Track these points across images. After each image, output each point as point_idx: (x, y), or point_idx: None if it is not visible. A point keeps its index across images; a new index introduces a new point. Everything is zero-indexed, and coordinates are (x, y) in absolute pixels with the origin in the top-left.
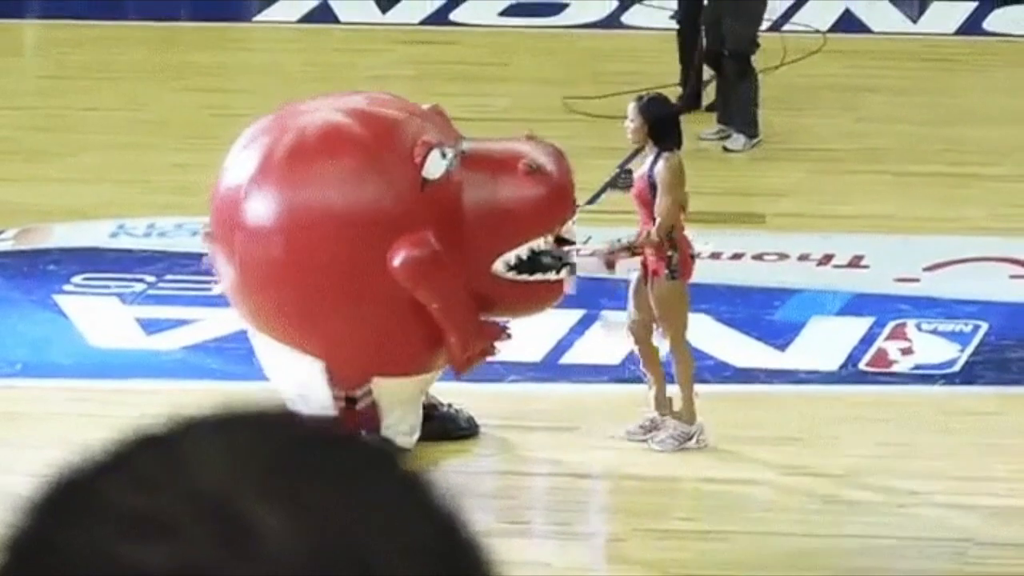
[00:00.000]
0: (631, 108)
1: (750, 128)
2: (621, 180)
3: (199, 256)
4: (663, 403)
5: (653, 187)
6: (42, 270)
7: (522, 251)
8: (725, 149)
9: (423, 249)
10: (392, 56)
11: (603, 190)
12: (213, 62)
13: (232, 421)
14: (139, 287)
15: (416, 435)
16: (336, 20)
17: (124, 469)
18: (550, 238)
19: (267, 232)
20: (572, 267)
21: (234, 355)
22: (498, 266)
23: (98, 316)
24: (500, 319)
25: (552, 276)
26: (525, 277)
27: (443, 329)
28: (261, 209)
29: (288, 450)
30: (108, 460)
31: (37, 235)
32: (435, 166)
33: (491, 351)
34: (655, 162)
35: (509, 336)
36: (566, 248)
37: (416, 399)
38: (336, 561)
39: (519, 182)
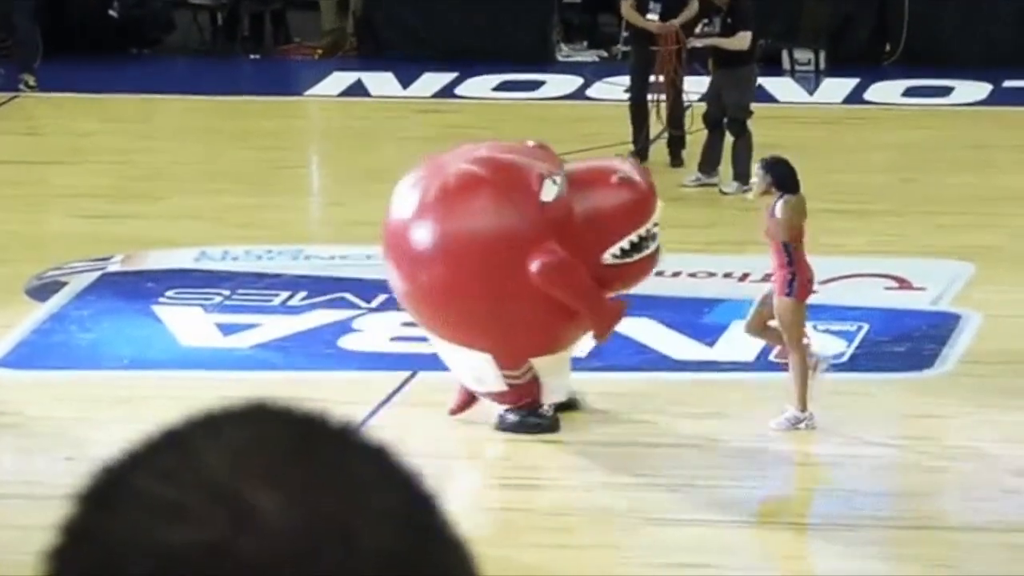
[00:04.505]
0: (756, 167)
1: (745, 176)
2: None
3: (262, 276)
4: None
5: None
6: (142, 286)
7: (624, 244)
8: (721, 192)
9: (552, 256)
10: (410, 122)
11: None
12: (272, 126)
13: (233, 420)
14: (217, 299)
15: (564, 392)
16: (368, 94)
17: (149, 464)
18: (644, 230)
19: (428, 258)
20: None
21: (290, 351)
22: (607, 257)
23: (186, 321)
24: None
25: (646, 252)
26: (627, 260)
27: (579, 312)
28: (422, 239)
29: (280, 442)
30: (136, 457)
31: (138, 260)
32: (548, 192)
33: (620, 320)
34: (776, 203)
35: (627, 307)
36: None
37: (564, 366)
38: (322, 532)
39: (616, 190)
